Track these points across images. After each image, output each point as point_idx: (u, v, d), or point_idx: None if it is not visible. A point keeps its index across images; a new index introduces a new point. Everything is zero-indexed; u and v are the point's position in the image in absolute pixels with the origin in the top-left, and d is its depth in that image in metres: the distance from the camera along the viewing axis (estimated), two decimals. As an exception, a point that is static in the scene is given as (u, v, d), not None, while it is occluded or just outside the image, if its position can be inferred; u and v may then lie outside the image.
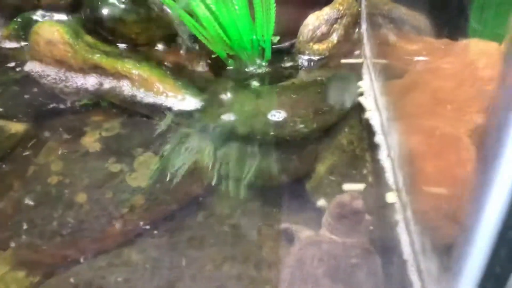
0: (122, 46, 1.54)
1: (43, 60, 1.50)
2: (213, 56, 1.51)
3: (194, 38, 1.51)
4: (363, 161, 1.11)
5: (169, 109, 1.33)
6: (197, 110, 1.32)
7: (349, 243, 0.85)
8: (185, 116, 1.31)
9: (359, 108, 1.30)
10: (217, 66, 1.53)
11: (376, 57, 1.39)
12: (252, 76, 1.50)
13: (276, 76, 1.51)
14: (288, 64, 1.57)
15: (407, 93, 1.06)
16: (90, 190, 1.04)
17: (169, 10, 1.50)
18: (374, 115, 1.25)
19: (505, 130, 0.39)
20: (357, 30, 1.67)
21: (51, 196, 1.03)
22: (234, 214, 1.00)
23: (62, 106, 1.38)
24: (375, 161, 1.09)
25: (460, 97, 0.85)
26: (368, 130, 1.21)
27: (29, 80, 1.48)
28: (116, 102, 1.38)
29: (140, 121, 1.30)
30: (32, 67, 1.52)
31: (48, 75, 1.48)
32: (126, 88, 1.40)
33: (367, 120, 1.24)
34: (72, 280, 0.87)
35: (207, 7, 1.39)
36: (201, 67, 1.52)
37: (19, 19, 1.70)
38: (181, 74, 1.43)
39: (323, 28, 1.58)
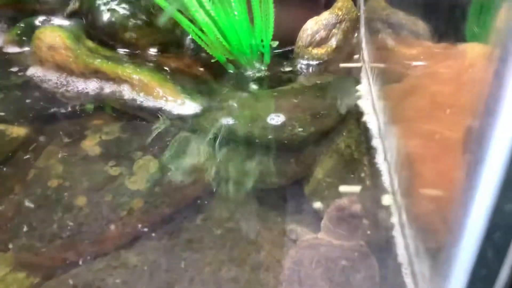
0: (122, 51, 1.55)
1: (44, 65, 1.52)
2: (212, 60, 1.53)
3: (194, 43, 1.52)
4: (360, 165, 1.12)
5: (169, 113, 1.34)
6: (196, 114, 1.33)
7: (346, 246, 0.86)
8: (185, 120, 1.32)
9: (357, 112, 1.31)
10: (217, 71, 1.54)
11: (374, 62, 1.40)
12: (251, 80, 1.52)
13: (275, 81, 1.52)
14: (287, 69, 1.58)
15: (405, 97, 1.07)
16: (89, 193, 1.05)
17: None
18: (372, 119, 1.26)
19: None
20: (356, 35, 1.68)
21: (51, 199, 1.05)
22: (232, 217, 1.01)
23: (63, 110, 1.39)
24: (372, 164, 1.10)
25: (459, 101, 0.85)
26: (365, 133, 1.22)
27: (30, 84, 1.50)
28: (116, 106, 1.39)
29: (139, 125, 1.31)
30: (34, 71, 1.54)
31: (49, 80, 1.50)
32: (126, 92, 1.41)
33: (365, 124, 1.25)
34: (71, 282, 0.88)
35: (206, 13, 1.40)
36: (200, 71, 1.54)
37: (21, 24, 1.72)
38: (180, 79, 1.45)
39: (322, 33, 1.60)
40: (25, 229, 0.98)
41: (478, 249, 0.46)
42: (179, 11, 1.43)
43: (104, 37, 1.54)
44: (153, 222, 1.00)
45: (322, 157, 1.16)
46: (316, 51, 1.60)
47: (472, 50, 0.90)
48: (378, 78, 1.30)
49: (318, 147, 1.20)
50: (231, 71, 1.56)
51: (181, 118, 1.33)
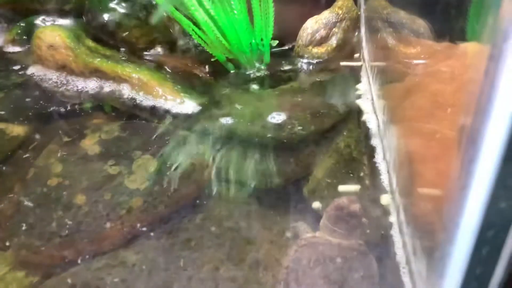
0: (122, 50, 1.55)
1: (45, 64, 1.52)
2: (212, 59, 1.53)
3: (194, 42, 1.53)
4: (359, 164, 1.12)
5: (168, 112, 1.34)
6: (195, 113, 1.34)
7: (345, 245, 0.86)
8: (184, 119, 1.32)
9: (357, 111, 1.31)
10: (216, 70, 1.55)
11: (374, 61, 1.39)
12: (251, 79, 1.52)
13: (275, 80, 1.52)
14: (287, 68, 1.58)
15: (405, 96, 1.07)
16: (88, 192, 1.05)
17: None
18: (372, 118, 1.26)
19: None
20: (356, 33, 1.68)
21: (50, 198, 1.05)
22: (231, 216, 1.01)
23: (62, 109, 1.39)
24: (371, 164, 1.10)
25: (459, 100, 0.85)
26: (365, 133, 1.22)
27: (31, 83, 1.51)
28: (116, 105, 1.40)
29: (139, 124, 1.31)
30: (34, 71, 1.54)
31: (49, 79, 1.50)
32: (125, 91, 1.41)
33: (364, 123, 1.25)
34: (70, 281, 0.88)
35: (206, 12, 1.40)
36: (200, 70, 1.54)
37: (22, 24, 1.73)
38: (180, 78, 1.45)
39: (322, 32, 1.60)
40: (24, 227, 0.99)
41: (473, 247, 0.46)
42: (178, 9, 1.43)
43: (104, 36, 1.54)
44: (152, 221, 1.00)
45: (322, 156, 1.16)
46: (316, 50, 1.60)
47: (472, 49, 0.89)
48: (378, 77, 1.30)
49: (317, 147, 1.20)
50: (231, 70, 1.56)
51: (180, 117, 1.33)
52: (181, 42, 1.57)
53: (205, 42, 1.48)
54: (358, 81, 1.46)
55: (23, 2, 1.74)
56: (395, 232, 0.89)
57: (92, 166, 1.14)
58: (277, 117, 1.28)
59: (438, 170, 0.76)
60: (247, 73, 1.54)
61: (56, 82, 1.49)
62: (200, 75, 1.52)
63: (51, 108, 1.40)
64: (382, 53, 1.32)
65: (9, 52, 1.70)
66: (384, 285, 0.82)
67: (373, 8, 1.51)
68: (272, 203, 1.06)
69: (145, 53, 1.56)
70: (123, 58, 1.50)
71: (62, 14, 1.70)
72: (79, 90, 1.46)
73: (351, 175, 1.09)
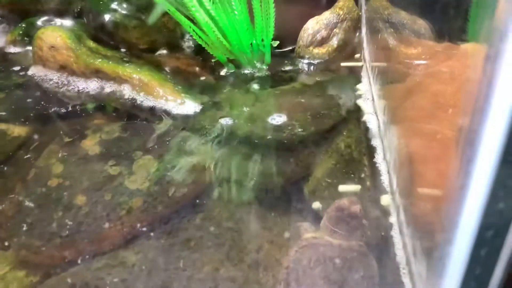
0: (123, 50, 1.56)
1: (46, 65, 1.53)
2: (213, 60, 1.53)
3: (194, 43, 1.53)
4: (360, 164, 1.12)
5: (169, 112, 1.34)
6: (196, 114, 1.34)
7: (345, 245, 0.86)
8: (185, 119, 1.32)
9: (357, 111, 1.31)
10: (217, 70, 1.55)
11: (375, 61, 1.39)
12: (252, 80, 1.52)
13: (276, 80, 1.52)
14: (288, 68, 1.58)
15: (406, 96, 1.07)
16: (89, 193, 1.06)
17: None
18: (372, 119, 1.25)
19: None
20: (357, 34, 1.68)
21: (51, 198, 1.05)
22: (231, 217, 1.01)
23: (63, 110, 1.40)
24: (372, 164, 1.10)
25: (460, 101, 0.85)
26: (365, 133, 1.22)
27: (32, 84, 1.51)
28: (116, 105, 1.40)
29: (139, 125, 1.31)
30: (35, 71, 1.55)
31: (50, 79, 1.51)
32: (126, 92, 1.42)
33: (365, 124, 1.25)
34: (70, 280, 0.88)
35: (207, 12, 1.40)
36: (201, 71, 1.54)
37: (23, 25, 1.73)
38: (181, 78, 1.45)
39: (323, 32, 1.60)
40: (25, 227, 0.99)
41: (472, 247, 0.46)
42: (178, 10, 1.43)
43: (105, 37, 1.54)
44: (152, 222, 1.00)
45: (322, 156, 1.16)
46: (317, 50, 1.60)
47: (473, 49, 0.89)
48: (379, 78, 1.30)
49: (318, 147, 1.20)
50: (232, 71, 1.56)
51: (181, 117, 1.33)
52: (181, 42, 1.57)
53: (206, 42, 1.48)
54: (358, 81, 1.46)
55: (24, 3, 1.74)
56: (395, 233, 0.89)
57: (93, 167, 1.14)
58: (277, 118, 1.28)
59: (438, 171, 0.76)
60: (248, 73, 1.54)
61: (57, 83, 1.49)
62: (201, 76, 1.52)
63: (52, 109, 1.40)
64: (383, 53, 1.31)
65: (11, 53, 1.71)
66: (384, 286, 0.82)
67: (374, 8, 1.51)
68: (272, 204, 1.06)
69: (146, 53, 1.56)
70: (124, 58, 1.50)
71: (63, 14, 1.70)
72: (80, 91, 1.46)
73: (352, 175, 1.09)
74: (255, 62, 1.55)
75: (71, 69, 1.49)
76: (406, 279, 0.80)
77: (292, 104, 1.36)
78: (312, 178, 1.10)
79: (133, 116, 1.36)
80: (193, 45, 1.58)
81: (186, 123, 1.31)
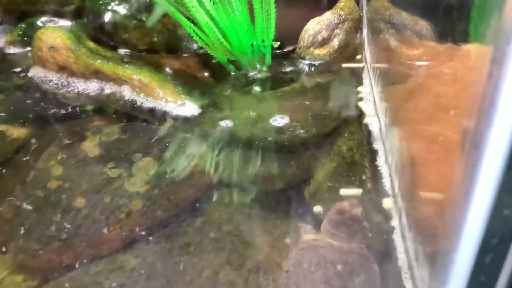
0: (123, 51, 1.55)
1: (45, 66, 1.52)
2: (213, 61, 1.52)
3: (195, 43, 1.52)
4: (361, 167, 1.11)
5: (169, 114, 1.33)
6: (196, 115, 1.33)
7: (346, 249, 0.85)
8: (185, 121, 1.31)
9: (359, 113, 1.30)
10: (218, 71, 1.54)
11: (377, 62, 1.38)
12: (253, 81, 1.51)
13: (277, 81, 1.51)
14: (288, 69, 1.57)
15: (408, 98, 1.06)
16: (88, 195, 1.05)
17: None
18: (373, 121, 1.24)
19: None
20: (358, 35, 1.67)
21: (50, 201, 1.04)
22: (231, 220, 1.00)
23: (63, 111, 1.39)
24: (373, 167, 1.09)
25: (462, 102, 0.84)
26: (367, 135, 1.21)
27: (31, 85, 1.50)
28: (116, 107, 1.39)
29: (139, 126, 1.31)
30: (35, 72, 1.54)
31: (50, 81, 1.50)
32: (126, 93, 1.41)
33: (366, 126, 1.24)
34: (68, 285, 0.87)
35: (207, 13, 1.40)
36: (201, 72, 1.53)
37: (23, 25, 1.72)
38: (181, 79, 1.44)
39: (324, 33, 1.59)
40: (23, 231, 0.98)
41: (476, 254, 0.45)
42: (179, 10, 1.42)
43: (105, 37, 1.54)
44: (151, 225, 0.99)
45: (323, 159, 1.15)
46: (318, 51, 1.59)
47: (476, 50, 0.88)
48: (381, 79, 1.29)
49: (319, 149, 1.19)
50: (232, 72, 1.55)
51: (181, 119, 1.32)
52: (182, 43, 1.57)
53: (206, 43, 1.47)
54: (360, 83, 1.45)
55: (24, 3, 1.74)
56: (397, 237, 0.88)
57: (92, 169, 1.13)
58: (278, 120, 1.27)
59: (441, 174, 0.75)
60: (249, 74, 1.54)
61: (57, 84, 1.49)
62: (201, 77, 1.52)
63: (52, 110, 1.39)
64: (385, 54, 1.30)
65: (10, 54, 1.70)
66: (386, 291, 0.81)
67: (375, 9, 1.50)
68: (273, 206, 1.05)
69: (146, 54, 1.55)
70: (124, 59, 1.49)
71: (63, 15, 1.69)
72: (80, 92, 1.46)
73: (353, 178, 1.08)
74: (255, 63, 1.54)
75: (70, 70, 1.48)
76: (408, 284, 0.79)
77: (293, 105, 1.35)
78: (313, 181, 1.09)
79: (133, 117, 1.35)
80: (193, 46, 1.57)
81: (186, 124, 1.30)
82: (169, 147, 1.20)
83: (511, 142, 0.39)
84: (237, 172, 1.13)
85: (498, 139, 0.39)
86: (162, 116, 1.33)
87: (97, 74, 1.45)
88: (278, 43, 1.53)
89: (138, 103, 1.38)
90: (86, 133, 1.27)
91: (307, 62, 1.60)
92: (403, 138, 0.98)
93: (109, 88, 1.44)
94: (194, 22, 1.44)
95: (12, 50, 1.71)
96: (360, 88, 1.41)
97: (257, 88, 1.47)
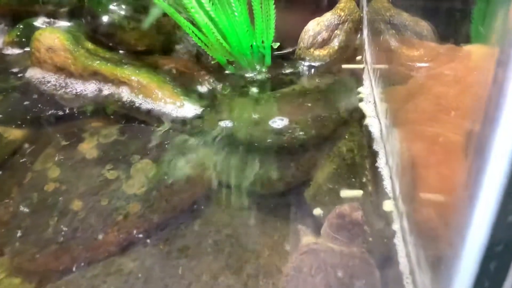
0: (122, 52, 1.54)
1: (43, 67, 1.51)
2: (212, 62, 1.51)
3: (194, 44, 1.51)
4: (362, 169, 1.10)
5: (168, 115, 1.32)
6: (195, 117, 1.32)
7: (347, 252, 0.84)
8: (184, 122, 1.30)
9: (359, 115, 1.29)
10: (217, 72, 1.53)
11: (377, 63, 1.38)
12: (252, 82, 1.50)
13: (277, 83, 1.50)
14: (288, 70, 1.56)
15: (408, 99, 1.05)
16: (85, 197, 1.04)
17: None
18: (374, 122, 1.23)
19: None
20: (358, 36, 1.66)
21: (47, 204, 1.03)
22: (231, 223, 0.99)
23: (61, 112, 1.38)
24: (374, 169, 1.08)
25: (463, 103, 0.84)
26: (367, 137, 1.20)
27: (29, 86, 1.49)
28: (115, 108, 1.38)
29: (138, 127, 1.29)
30: (32, 73, 1.53)
31: (48, 82, 1.49)
32: (125, 94, 1.40)
33: (366, 127, 1.23)
34: (65, 288, 0.86)
35: (206, 13, 1.39)
36: (200, 73, 1.52)
37: (21, 26, 1.71)
38: (180, 81, 1.43)
39: (324, 34, 1.58)
40: (20, 233, 0.97)
41: (480, 262, 0.44)
42: (178, 11, 1.41)
43: (104, 38, 1.53)
44: (149, 227, 0.98)
45: (323, 161, 1.14)
46: (318, 52, 1.58)
47: (477, 51, 0.88)
48: (381, 80, 1.28)
49: (319, 151, 1.18)
50: (232, 73, 1.54)
51: (180, 120, 1.31)
52: (181, 44, 1.56)
53: (205, 44, 1.46)
54: (360, 84, 1.44)
55: (22, 4, 1.73)
56: (398, 241, 0.87)
57: (90, 171, 1.12)
58: (278, 121, 1.26)
59: (443, 175, 0.74)
60: (248, 75, 1.53)
61: (55, 85, 1.47)
62: (200, 78, 1.51)
63: (50, 112, 1.38)
64: (385, 55, 1.30)
65: (8, 54, 1.69)
66: (387, 295, 0.80)
67: (375, 9, 1.49)
68: (272, 209, 1.04)
69: (145, 55, 1.54)
70: (123, 60, 1.48)
71: (61, 16, 1.69)
72: (78, 93, 1.44)
73: (353, 180, 1.07)
74: (255, 64, 1.53)
75: (69, 71, 1.47)
76: (409, 289, 0.78)
77: (292, 107, 1.34)
78: (313, 183, 1.08)
79: (131, 119, 1.34)
80: (192, 47, 1.56)
81: (185, 126, 1.29)
82: (167, 148, 1.19)
83: (516, 147, 0.38)
84: (236, 174, 1.12)
85: (504, 143, 0.37)
86: (161, 118, 1.32)
87: (96, 75, 1.44)
88: (278, 44, 1.52)
89: (137, 104, 1.37)
90: (83, 135, 1.26)
91: (307, 63, 1.59)
92: (404, 139, 0.97)
93: (107, 89, 1.43)
94: (193, 23, 1.43)
95: (10, 51, 1.70)
96: (360, 89, 1.40)
97: (256, 90, 1.46)
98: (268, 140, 1.20)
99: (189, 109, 1.34)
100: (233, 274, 0.87)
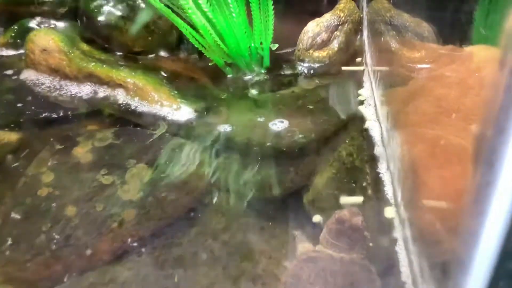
0: (118, 54, 1.52)
1: (38, 69, 1.48)
2: (210, 64, 1.49)
3: (191, 46, 1.49)
4: (362, 174, 1.07)
5: (164, 118, 1.30)
6: (192, 120, 1.29)
7: (347, 259, 0.82)
8: (180, 125, 1.28)
9: (359, 118, 1.27)
10: (215, 74, 1.51)
11: (377, 65, 1.36)
12: (250, 84, 1.48)
13: (275, 84, 1.48)
14: (287, 72, 1.54)
15: (409, 101, 1.03)
16: (79, 203, 1.01)
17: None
18: (374, 125, 1.21)
19: (500, 152, 0.35)
20: (358, 37, 1.64)
21: (40, 210, 1.01)
22: (228, 230, 0.97)
23: (55, 115, 1.35)
24: (375, 174, 1.06)
25: (465, 105, 0.82)
26: (368, 141, 1.17)
27: (23, 88, 1.47)
28: (110, 111, 1.35)
29: (134, 131, 1.27)
30: (27, 75, 1.50)
31: (42, 84, 1.46)
32: (120, 96, 1.37)
33: (367, 130, 1.21)
34: (57, 298, 0.84)
35: (204, 14, 1.36)
36: (197, 75, 1.50)
37: (16, 27, 1.69)
38: (177, 83, 1.41)
39: (324, 35, 1.56)
40: (11, 241, 0.94)
41: (490, 279, 0.42)
42: (175, 12, 1.39)
43: (99, 39, 1.51)
44: (144, 235, 0.96)
45: (323, 165, 1.12)
46: (317, 54, 1.56)
47: (479, 53, 0.86)
48: (381, 82, 1.26)
49: (318, 155, 1.16)
50: (230, 75, 1.52)
51: (176, 123, 1.29)
52: (178, 45, 1.54)
53: (202, 45, 1.44)
54: (360, 86, 1.42)
55: (17, 5, 1.70)
56: (400, 249, 0.85)
57: (84, 176, 1.10)
58: (276, 124, 1.23)
59: (448, 180, 0.72)
60: (246, 77, 1.50)
61: (49, 87, 1.45)
62: (198, 80, 1.48)
63: (44, 114, 1.36)
64: (386, 57, 1.28)
65: (3, 56, 1.67)
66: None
67: (375, 10, 1.47)
68: (271, 215, 1.02)
69: (141, 56, 1.52)
70: (119, 62, 1.46)
71: (57, 16, 1.66)
72: (73, 96, 1.42)
73: (353, 185, 1.04)
74: (253, 65, 1.51)
75: (63, 73, 1.44)
76: (412, 300, 0.75)
77: (291, 109, 1.32)
78: (312, 188, 1.06)
79: (127, 122, 1.31)
80: (189, 48, 1.54)
81: (181, 129, 1.26)
82: (163, 153, 1.17)
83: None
84: (234, 179, 1.10)
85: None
86: (157, 121, 1.29)
87: (91, 77, 1.42)
88: (277, 45, 1.50)
89: (133, 107, 1.34)
90: (78, 138, 1.23)
91: (306, 64, 1.56)
92: (407, 142, 0.95)
93: (102, 92, 1.41)
94: (190, 23, 1.41)
95: (4, 52, 1.67)
96: (360, 92, 1.38)
97: (255, 91, 1.44)
98: (267, 144, 1.18)
99: (186, 112, 1.32)
100: (230, 282, 0.85)
